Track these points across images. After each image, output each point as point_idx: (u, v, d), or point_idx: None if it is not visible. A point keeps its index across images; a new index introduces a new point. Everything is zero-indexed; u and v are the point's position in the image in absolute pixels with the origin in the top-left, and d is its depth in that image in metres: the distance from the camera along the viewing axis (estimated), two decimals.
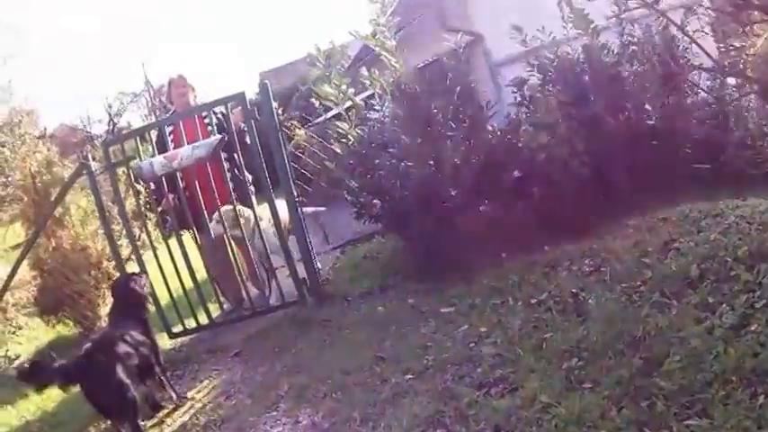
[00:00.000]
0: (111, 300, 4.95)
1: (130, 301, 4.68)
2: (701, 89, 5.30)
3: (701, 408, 2.49)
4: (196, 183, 5.61)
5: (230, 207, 5.61)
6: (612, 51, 5.43)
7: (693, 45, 4.43)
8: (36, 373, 3.96)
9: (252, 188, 6.03)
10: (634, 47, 5.40)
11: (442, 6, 9.79)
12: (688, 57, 5.06)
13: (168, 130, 5.91)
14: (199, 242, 5.93)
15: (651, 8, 3.88)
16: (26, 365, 4.11)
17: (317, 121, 9.74)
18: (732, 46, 3.82)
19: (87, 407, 4.72)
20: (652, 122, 4.15)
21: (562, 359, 3.21)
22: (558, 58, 5.40)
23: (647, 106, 4.42)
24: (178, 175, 5.59)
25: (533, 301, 4.05)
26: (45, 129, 18.44)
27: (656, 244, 4.10)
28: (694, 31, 4.72)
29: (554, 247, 4.81)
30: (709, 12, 4.67)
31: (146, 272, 5.40)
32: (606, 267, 4.09)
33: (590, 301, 3.72)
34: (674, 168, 5.19)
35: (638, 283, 3.68)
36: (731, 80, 5.05)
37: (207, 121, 5.70)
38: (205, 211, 5.61)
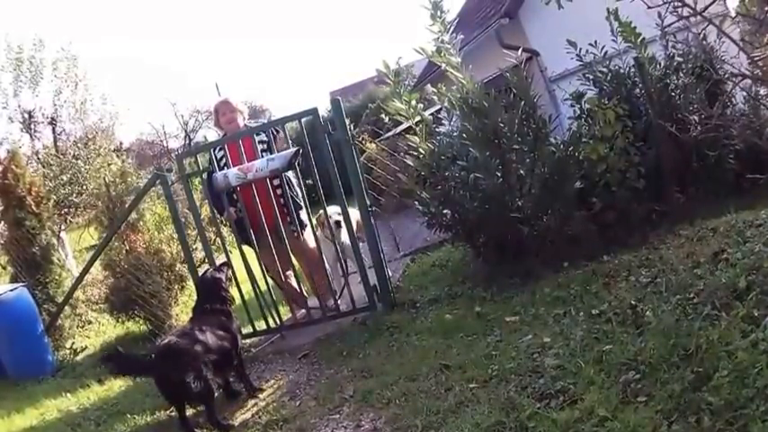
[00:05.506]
0: (195, 295, 5.19)
1: (215, 294, 4.92)
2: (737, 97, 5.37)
3: (742, 424, 2.55)
4: (256, 198, 5.78)
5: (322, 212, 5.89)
6: (659, 64, 5.57)
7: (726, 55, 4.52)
8: (120, 361, 4.32)
9: (303, 204, 6.11)
10: (679, 58, 5.53)
11: (498, 25, 10.08)
12: (725, 68, 5.17)
13: (220, 155, 6.04)
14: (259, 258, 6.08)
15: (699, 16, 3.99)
16: (113, 352, 4.42)
17: (387, 135, 9.99)
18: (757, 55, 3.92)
19: (148, 399, 5.07)
20: (695, 134, 4.34)
21: (620, 372, 3.30)
22: (611, 71, 5.58)
23: (692, 117, 4.60)
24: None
25: (594, 312, 4.16)
26: (121, 143, 19.52)
27: (707, 254, 4.27)
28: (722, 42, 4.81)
29: (613, 256, 5.01)
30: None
31: (228, 263, 5.55)
32: (662, 278, 4.24)
33: (648, 313, 3.80)
34: (718, 178, 5.32)
35: (692, 294, 3.80)
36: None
37: (259, 141, 5.91)
38: (266, 227, 5.81)
